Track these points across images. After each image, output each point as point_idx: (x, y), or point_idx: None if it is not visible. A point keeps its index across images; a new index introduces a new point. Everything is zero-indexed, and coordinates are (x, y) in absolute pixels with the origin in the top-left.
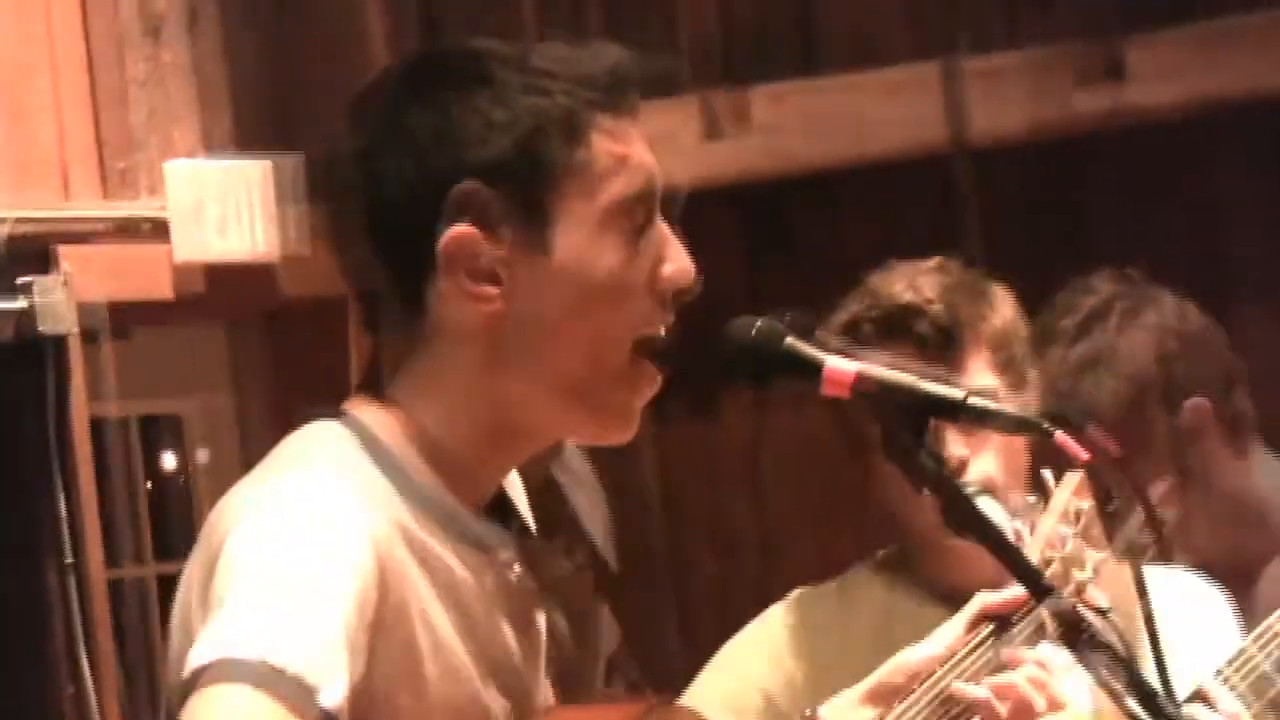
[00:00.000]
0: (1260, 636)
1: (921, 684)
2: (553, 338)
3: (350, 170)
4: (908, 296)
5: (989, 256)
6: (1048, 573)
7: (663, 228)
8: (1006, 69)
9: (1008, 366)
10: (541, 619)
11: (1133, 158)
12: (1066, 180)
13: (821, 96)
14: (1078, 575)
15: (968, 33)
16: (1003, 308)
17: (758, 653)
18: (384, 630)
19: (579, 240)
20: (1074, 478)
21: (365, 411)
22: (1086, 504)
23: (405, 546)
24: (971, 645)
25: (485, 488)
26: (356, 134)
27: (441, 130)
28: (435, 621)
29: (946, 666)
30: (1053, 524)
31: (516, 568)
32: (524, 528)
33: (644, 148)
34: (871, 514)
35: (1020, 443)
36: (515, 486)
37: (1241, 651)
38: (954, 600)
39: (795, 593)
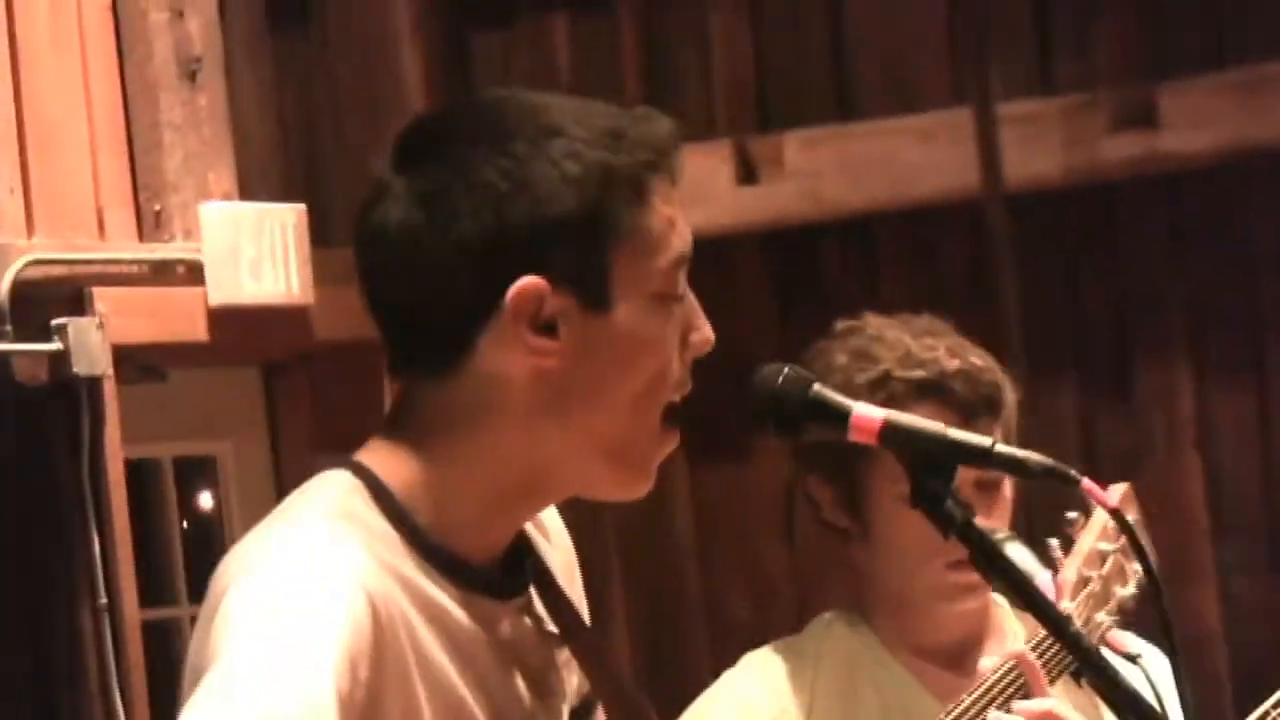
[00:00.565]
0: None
1: (948, 714)
2: (599, 396)
3: (401, 211)
4: (956, 364)
5: (1023, 301)
6: (1086, 591)
7: (689, 293)
8: (1040, 115)
9: (1008, 436)
10: (561, 664)
11: (1167, 202)
12: (1101, 225)
13: (855, 141)
14: (1119, 591)
15: (1002, 78)
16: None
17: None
18: (383, 686)
19: (638, 301)
20: (1118, 489)
21: (377, 459)
22: (1130, 519)
23: (408, 599)
24: (1000, 674)
25: (499, 536)
26: (412, 175)
27: (517, 179)
28: (439, 674)
29: (973, 696)
30: (1092, 542)
31: (530, 615)
32: (543, 571)
33: (683, 213)
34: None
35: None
36: (547, 527)
37: (1263, 715)
38: (917, 658)
39: (751, 655)
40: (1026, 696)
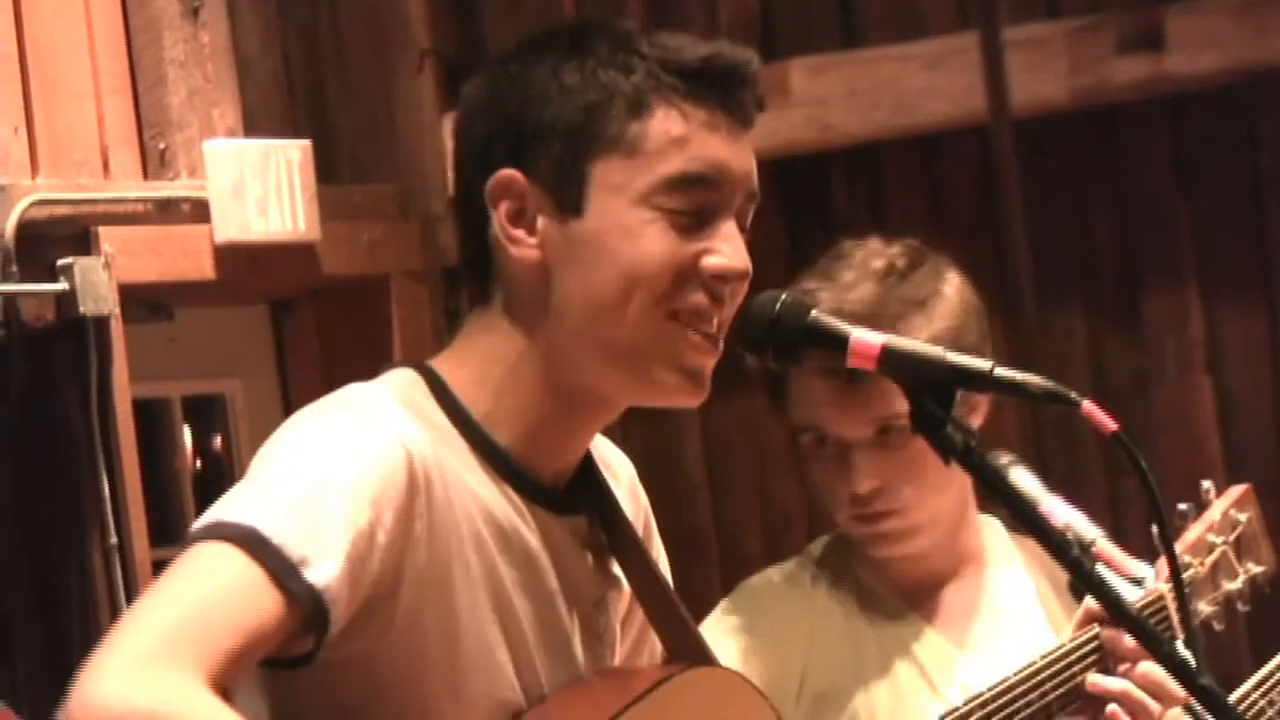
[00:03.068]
0: (1263, 683)
1: (1018, 674)
2: (584, 295)
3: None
4: (832, 299)
5: (1030, 226)
6: (1185, 576)
7: (727, 225)
8: (1047, 38)
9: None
10: (616, 614)
11: (1174, 125)
12: (1108, 148)
13: (861, 68)
14: (1226, 585)
15: (1007, 2)
16: (937, 314)
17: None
18: (410, 540)
19: (612, 208)
20: (1235, 490)
21: (437, 362)
22: (1244, 516)
23: (460, 485)
24: (1079, 642)
25: (556, 450)
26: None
27: (519, 85)
28: (488, 562)
29: (1049, 659)
30: (1200, 532)
31: (589, 546)
32: (607, 502)
33: (724, 144)
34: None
35: (935, 460)
36: (621, 478)
37: (1244, 696)
38: (903, 590)
39: (749, 586)
40: (1104, 670)
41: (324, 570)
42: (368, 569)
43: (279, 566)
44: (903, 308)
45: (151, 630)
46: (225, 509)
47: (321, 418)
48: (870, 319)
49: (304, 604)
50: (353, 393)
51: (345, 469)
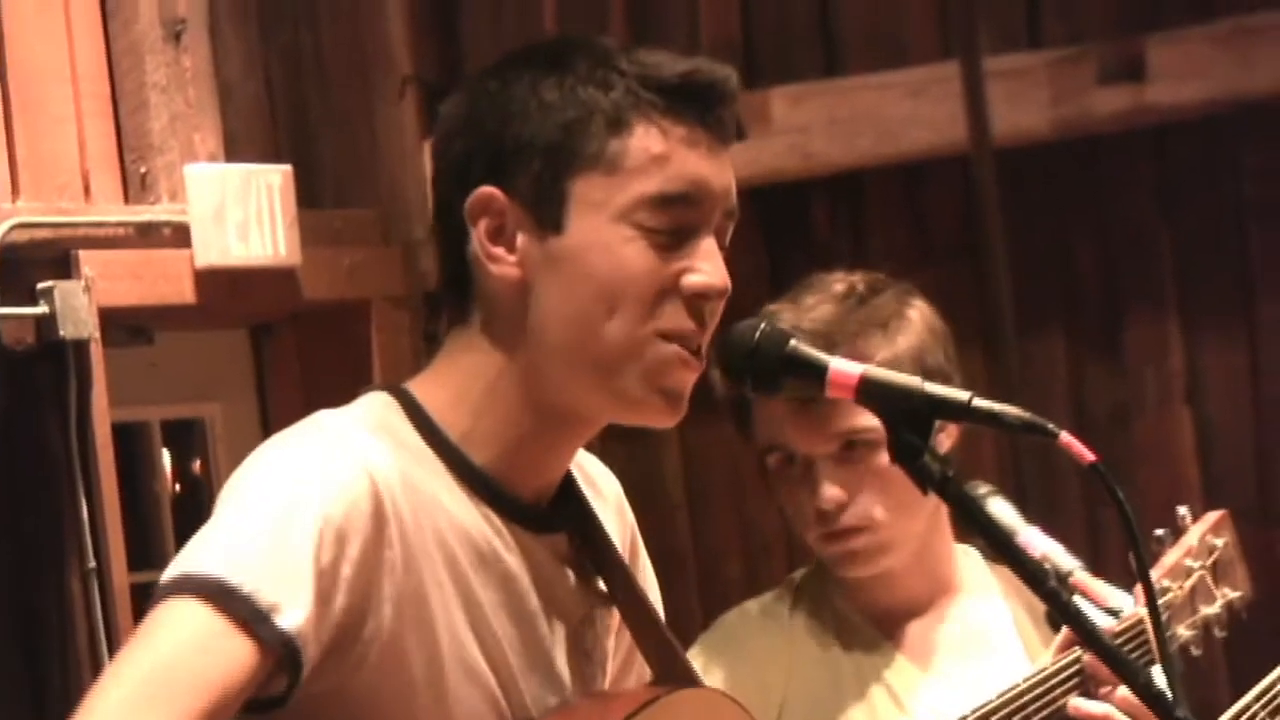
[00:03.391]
0: (1264, 694)
1: (1000, 696)
2: (564, 312)
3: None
4: (792, 320)
5: (1012, 255)
6: (1162, 601)
7: (707, 242)
8: (1028, 69)
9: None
10: (604, 630)
11: (1156, 155)
12: (1089, 178)
13: (843, 97)
14: (1204, 610)
15: (989, 32)
16: (900, 335)
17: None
18: (379, 570)
19: (592, 225)
20: (1212, 516)
21: (413, 384)
22: (1221, 541)
23: (435, 508)
24: (1061, 665)
25: (535, 469)
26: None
27: (498, 102)
28: (464, 586)
29: (1031, 682)
30: (1178, 557)
31: (570, 564)
32: (587, 520)
33: (704, 161)
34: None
35: (902, 477)
36: (606, 495)
37: (1245, 708)
38: (876, 617)
39: (728, 619)
40: (1086, 693)
41: (294, 616)
42: (333, 606)
43: (250, 615)
44: (861, 327)
45: (122, 702)
46: (192, 559)
47: (284, 450)
48: (826, 337)
49: (276, 650)
50: (319, 421)
51: (308, 504)
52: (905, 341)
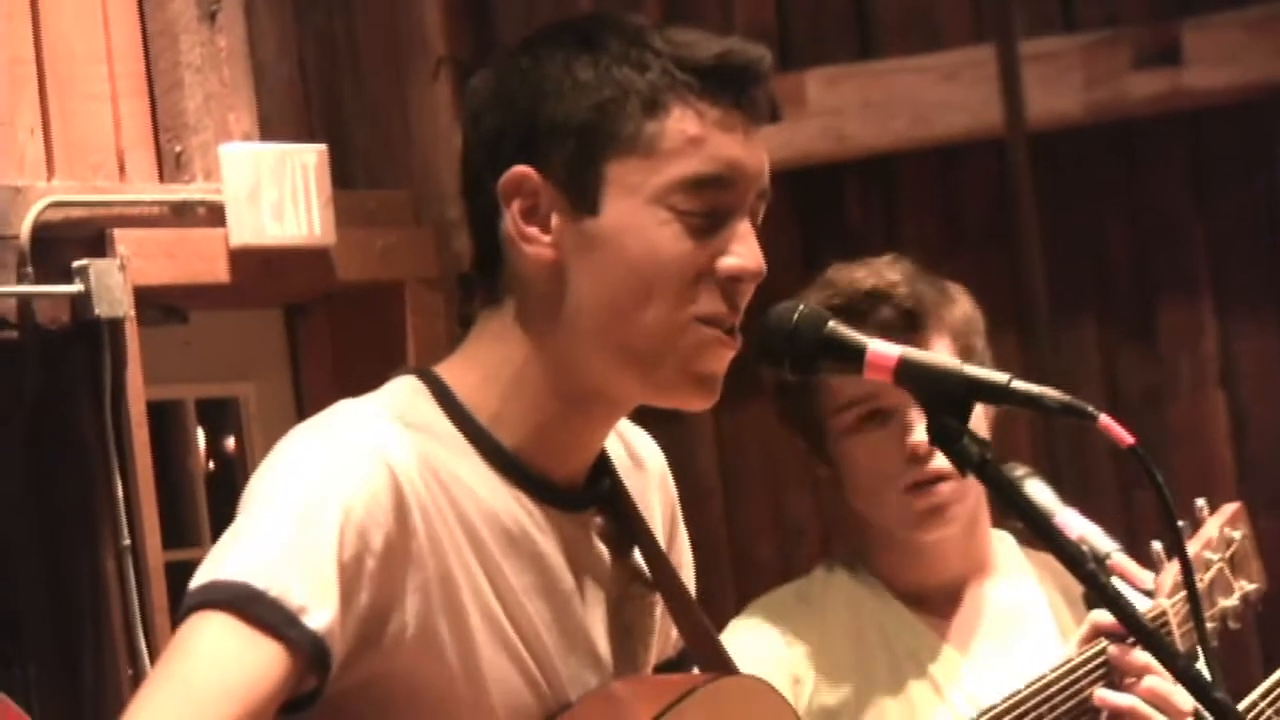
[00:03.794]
0: (1269, 692)
1: (1029, 686)
2: (598, 295)
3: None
4: (871, 282)
5: (1045, 240)
6: (1181, 594)
7: (742, 225)
8: (1063, 52)
9: (968, 355)
10: (647, 606)
11: (1190, 140)
12: (1123, 163)
13: (878, 80)
14: (1222, 602)
15: (1024, 16)
16: (961, 300)
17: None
18: (405, 560)
19: (628, 208)
20: (1229, 508)
21: (443, 368)
22: (1238, 534)
23: (463, 493)
24: (1086, 656)
25: (567, 450)
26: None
27: (531, 79)
28: (493, 570)
29: (1058, 673)
30: (1198, 549)
31: (607, 541)
32: (622, 499)
33: (739, 143)
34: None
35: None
36: (649, 470)
37: (1251, 705)
38: (916, 599)
39: (759, 605)
40: (1111, 684)
41: (322, 616)
42: (358, 601)
43: (279, 620)
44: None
45: None
46: (218, 565)
47: (303, 447)
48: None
49: (305, 651)
50: (339, 413)
51: (328, 501)
52: (961, 311)
